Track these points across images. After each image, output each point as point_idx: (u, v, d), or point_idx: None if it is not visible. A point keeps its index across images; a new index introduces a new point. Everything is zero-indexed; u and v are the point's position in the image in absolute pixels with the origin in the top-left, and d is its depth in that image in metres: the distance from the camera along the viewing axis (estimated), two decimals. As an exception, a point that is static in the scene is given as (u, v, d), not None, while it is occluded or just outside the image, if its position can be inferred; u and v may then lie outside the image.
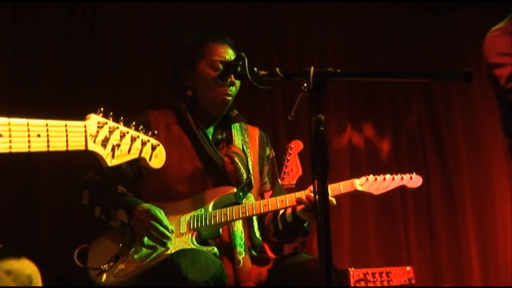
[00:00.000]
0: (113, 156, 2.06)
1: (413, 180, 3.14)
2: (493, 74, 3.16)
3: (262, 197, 3.21)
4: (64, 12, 4.27)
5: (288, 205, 2.94)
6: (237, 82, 3.12)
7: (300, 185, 3.98)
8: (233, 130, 3.22)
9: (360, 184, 3.01)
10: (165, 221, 2.80)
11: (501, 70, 3.10)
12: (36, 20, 4.18)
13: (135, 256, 2.82)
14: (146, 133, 2.24)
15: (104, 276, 2.81)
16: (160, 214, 2.80)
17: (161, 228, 2.77)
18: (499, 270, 5.29)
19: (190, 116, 3.11)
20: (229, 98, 3.12)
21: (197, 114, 3.14)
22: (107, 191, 2.98)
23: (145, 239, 2.79)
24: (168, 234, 2.79)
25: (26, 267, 1.99)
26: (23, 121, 1.79)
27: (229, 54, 3.13)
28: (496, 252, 5.32)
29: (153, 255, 2.80)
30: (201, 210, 2.93)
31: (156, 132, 2.31)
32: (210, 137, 3.14)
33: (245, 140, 3.21)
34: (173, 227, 2.85)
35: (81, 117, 2.00)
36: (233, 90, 3.12)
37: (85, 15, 4.33)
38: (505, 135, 3.37)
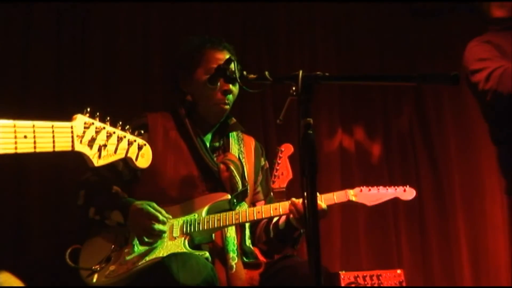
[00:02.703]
0: (99, 156, 2.07)
1: (407, 193, 3.19)
2: (472, 81, 3.19)
3: (254, 207, 3.21)
4: (54, 13, 4.26)
5: (281, 213, 2.96)
6: (235, 90, 3.13)
7: (290, 188, 3.99)
8: (230, 138, 3.24)
9: (353, 195, 3.06)
10: (157, 213, 2.80)
11: (479, 75, 3.13)
12: (27, 22, 4.17)
13: (127, 258, 2.83)
14: (132, 133, 2.25)
15: (95, 276, 2.82)
16: (153, 209, 2.80)
17: (155, 226, 2.77)
18: (490, 272, 5.29)
19: (188, 122, 3.12)
20: (227, 107, 3.13)
21: (195, 120, 3.16)
22: (102, 192, 2.99)
23: (144, 237, 2.81)
24: (163, 228, 2.80)
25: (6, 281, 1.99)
26: (10, 122, 1.80)
27: None
28: (487, 255, 5.32)
29: (145, 258, 2.81)
30: (194, 215, 2.94)
31: (142, 131, 2.32)
32: (208, 144, 3.15)
33: (241, 150, 3.23)
34: (169, 215, 2.86)
35: (71, 119, 2.01)
36: (230, 98, 3.13)
37: (76, 17, 4.32)
38: (493, 143, 3.40)
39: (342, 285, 4.15)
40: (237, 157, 3.18)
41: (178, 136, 3.12)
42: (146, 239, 2.81)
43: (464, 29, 5.46)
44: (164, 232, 2.82)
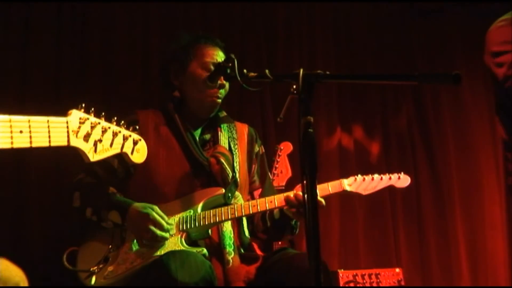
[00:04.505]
0: (95, 151, 2.07)
1: (401, 180, 3.17)
2: (495, 62, 3.09)
3: (252, 196, 3.23)
4: (54, 10, 4.25)
5: (277, 206, 2.95)
6: (227, 85, 3.13)
7: (289, 187, 3.99)
8: (219, 129, 3.22)
9: (348, 184, 3.04)
10: (163, 221, 2.80)
11: (504, 57, 3.04)
12: (26, 19, 4.16)
13: (125, 258, 2.82)
14: (127, 128, 2.25)
15: (94, 278, 2.81)
16: (157, 214, 2.80)
17: (159, 233, 2.78)
18: (488, 271, 5.31)
19: (178, 117, 3.12)
20: (219, 100, 3.14)
21: (185, 115, 3.15)
22: (98, 192, 2.98)
23: (144, 241, 2.81)
24: (166, 235, 2.81)
25: (14, 275, 1.98)
26: (5, 117, 1.80)
27: (220, 57, 3.13)
28: (485, 253, 5.34)
29: (143, 257, 2.80)
30: (190, 211, 2.93)
31: (137, 127, 2.32)
32: (198, 138, 3.15)
33: (233, 137, 3.22)
34: (171, 221, 2.87)
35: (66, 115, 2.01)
36: (222, 92, 3.14)
37: (75, 14, 4.32)
38: (505, 131, 3.31)
39: (341, 283, 4.15)
40: (228, 146, 3.17)
41: (168, 132, 3.11)
42: (146, 242, 2.81)
43: (463, 29, 5.48)
44: (166, 239, 2.82)
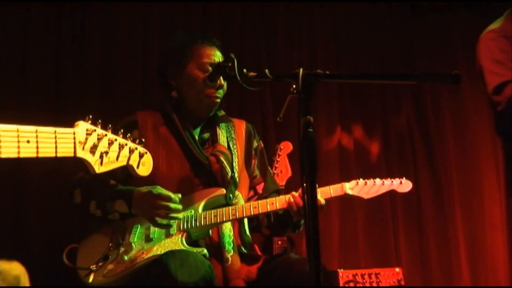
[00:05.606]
0: (101, 163, 2.07)
1: (403, 185, 3.16)
2: (483, 78, 3.13)
3: (255, 190, 3.24)
4: (53, 16, 4.26)
5: (278, 208, 2.96)
6: (225, 85, 3.14)
7: (289, 186, 3.99)
8: (217, 128, 3.22)
9: (350, 188, 3.04)
10: (168, 192, 2.79)
11: (491, 77, 3.06)
12: (25, 24, 4.17)
13: (125, 256, 2.81)
14: (133, 141, 2.25)
15: (93, 276, 2.80)
16: (162, 190, 2.79)
17: (171, 205, 2.76)
18: (488, 271, 5.31)
19: (176, 117, 3.12)
20: (218, 100, 3.14)
21: (183, 114, 3.15)
22: (99, 186, 2.96)
23: (158, 219, 2.78)
24: (178, 206, 2.79)
25: (14, 268, 2.00)
26: (13, 127, 1.80)
27: (218, 57, 3.13)
28: (485, 253, 5.33)
29: (143, 256, 2.80)
30: (190, 211, 2.93)
31: (143, 140, 2.32)
32: (197, 137, 3.15)
33: (231, 136, 3.22)
34: (179, 195, 2.83)
35: (71, 124, 2.01)
36: (221, 92, 3.14)
37: (75, 18, 4.32)
38: (497, 134, 3.34)
39: (341, 283, 4.15)
40: (227, 145, 3.17)
41: (167, 132, 3.12)
42: (159, 221, 2.78)
43: (463, 29, 5.48)
44: (179, 210, 2.79)
